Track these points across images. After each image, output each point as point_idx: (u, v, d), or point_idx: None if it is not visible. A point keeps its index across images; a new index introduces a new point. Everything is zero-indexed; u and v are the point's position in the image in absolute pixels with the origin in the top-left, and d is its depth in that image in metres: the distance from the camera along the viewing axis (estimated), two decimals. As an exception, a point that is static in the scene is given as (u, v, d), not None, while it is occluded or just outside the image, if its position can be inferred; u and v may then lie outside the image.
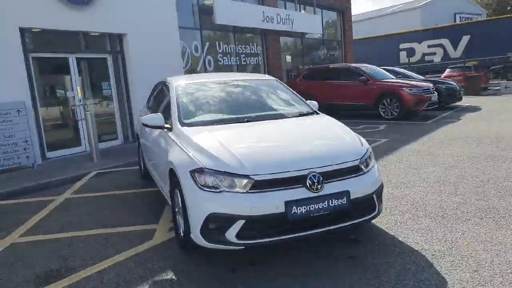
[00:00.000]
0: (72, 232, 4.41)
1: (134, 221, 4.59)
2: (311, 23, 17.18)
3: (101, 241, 4.07)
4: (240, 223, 3.08)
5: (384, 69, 13.66)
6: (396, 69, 15.20)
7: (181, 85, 4.72)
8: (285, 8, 16.16)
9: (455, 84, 14.22)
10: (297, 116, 4.44)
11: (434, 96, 11.98)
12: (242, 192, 3.12)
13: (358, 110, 12.49)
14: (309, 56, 18.47)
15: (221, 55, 13.95)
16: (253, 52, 15.24)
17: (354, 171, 3.44)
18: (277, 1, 15.72)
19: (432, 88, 12.14)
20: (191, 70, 12.64)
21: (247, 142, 3.61)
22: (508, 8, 55.48)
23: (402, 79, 12.80)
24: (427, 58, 28.13)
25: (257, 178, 3.14)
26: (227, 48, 14.19)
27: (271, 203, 3.09)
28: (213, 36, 13.87)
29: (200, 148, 3.48)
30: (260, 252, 3.49)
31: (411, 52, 28.69)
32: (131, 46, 9.70)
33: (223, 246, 3.18)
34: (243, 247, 3.17)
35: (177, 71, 10.66)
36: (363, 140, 3.87)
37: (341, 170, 3.37)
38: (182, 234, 3.64)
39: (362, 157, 3.54)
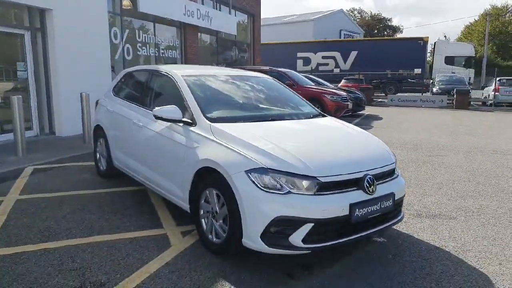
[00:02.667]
0: (62, 240, 3.66)
1: (133, 226, 4.03)
2: (228, 22, 17.20)
3: (113, 250, 3.47)
4: (307, 227, 2.97)
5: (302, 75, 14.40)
6: (311, 76, 16.13)
7: (187, 76, 4.29)
8: (203, 4, 15.90)
9: (360, 94, 15.68)
10: (311, 118, 4.42)
11: (350, 104, 13.04)
12: (310, 194, 3.01)
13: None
14: (223, 55, 18.43)
15: (140, 45, 13.07)
16: (171, 44, 14.64)
17: (392, 173, 3.61)
18: (196, -4, 15.36)
19: (347, 96, 13.21)
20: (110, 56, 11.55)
21: (295, 142, 3.48)
22: (375, 31, 63.50)
23: (323, 86, 13.64)
24: (321, 68, 30.44)
25: (323, 179, 3.06)
26: (146, 38, 13.37)
27: (338, 205, 3.04)
28: (133, 25, 12.93)
29: (251, 146, 3.24)
30: (307, 256, 3.38)
31: (307, 61, 30.76)
32: (56, 24, 8.41)
33: (287, 250, 3.02)
34: (309, 251, 3.05)
35: (105, 56, 9.69)
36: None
37: (386, 172, 3.49)
38: (216, 239, 3.36)
39: (395, 161, 3.71)
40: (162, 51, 14.13)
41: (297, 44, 31.93)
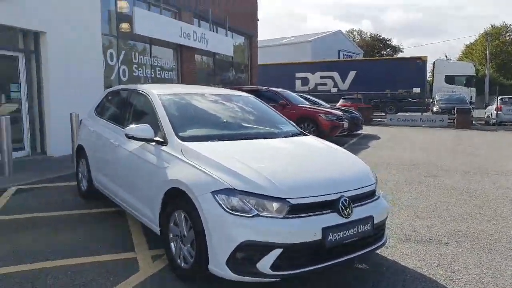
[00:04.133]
0: (27, 264, 3.50)
1: (103, 249, 3.87)
2: (224, 44, 17.33)
3: (77, 275, 3.30)
4: (276, 252, 2.80)
5: (298, 95, 14.34)
6: (307, 96, 16.09)
7: (163, 95, 4.20)
8: (199, 26, 16.04)
9: (357, 113, 15.57)
10: (290, 136, 4.29)
11: (346, 123, 12.92)
12: (279, 218, 2.85)
13: (276, 132, 12.77)
14: (220, 76, 18.51)
15: (136, 66, 13.16)
16: (168, 66, 14.72)
17: (372, 195, 3.44)
18: (192, 19, 15.50)
19: (343, 116, 13.10)
20: (106, 77, 11.58)
21: (266, 161, 3.34)
22: (375, 51, 63.91)
23: (317, 106, 13.56)
24: (319, 88, 30.55)
25: (293, 201, 2.90)
26: (142, 59, 13.46)
27: (310, 229, 2.87)
28: (129, 47, 13.02)
29: (220, 166, 3.10)
30: (276, 283, 3.20)
31: (305, 81, 30.91)
32: (50, 47, 8.47)
33: (255, 278, 2.83)
34: (279, 279, 2.87)
35: (99, 77, 9.68)
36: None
37: (364, 194, 3.33)
38: (184, 264, 3.18)
39: (375, 182, 3.55)
40: (159, 72, 14.19)
41: (295, 64, 32.19)
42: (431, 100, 27.43)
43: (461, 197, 6.15)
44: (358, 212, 3.14)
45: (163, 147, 3.59)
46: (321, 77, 30.97)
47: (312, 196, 2.99)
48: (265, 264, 2.79)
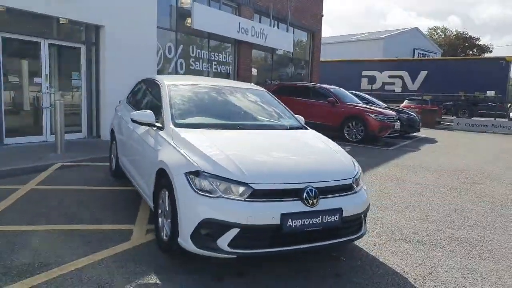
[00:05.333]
0: (42, 225, 4.12)
1: (108, 219, 4.38)
2: (283, 40, 17.45)
3: (76, 238, 3.83)
4: (234, 232, 3.02)
5: (351, 93, 14.12)
6: (362, 94, 15.75)
7: (173, 85, 4.61)
8: (260, 22, 16.34)
9: (415, 115, 14.94)
10: (288, 129, 4.47)
11: (397, 124, 12.51)
12: (240, 200, 3.07)
13: (323, 129, 12.60)
14: (278, 71, 18.72)
15: (193, 59, 13.82)
16: (225, 60, 15.24)
17: (347, 189, 3.50)
18: (253, 14, 15.86)
19: (396, 116, 12.69)
20: (162, 70, 12.40)
21: (244, 150, 3.57)
22: (459, 50, 59.67)
23: (368, 105, 13.27)
24: (386, 87, 29.46)
25: (256, 186, 3.10)
26: (200, 53, 14.10)
27: (268, 213, 3.06)
28: (188, 40, 13.73)
29: (197, 150, 3.40)
30: (248, 262, 3.43)
31: (372, 79, 29.96)
32: (107, 39, 9.35)
33: (213, 253, 3.09)
34: (235, 256, 3.10)
35: (151, 70, 10.42)
36: (354, 160, 3.95)
37: (336, 187, 3.41)
38: (165, 238, 3.53)
39: (354, 176, 3.61)
40: (215, 67, 14.76)
41: (363, 62, 31.26)
42: (509, 104, 25.20)
43: (491, 206, 5.81)
44: (326, 203, 3.25)
45: (160, 132, 3.97)
46: (389, 76, 29.82)
47: (276, 183, 3.16)
48: (224, 241, 3.03)
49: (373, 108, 12.61)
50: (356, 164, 3.87)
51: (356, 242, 4.08)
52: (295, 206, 3.14)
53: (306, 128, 4.66)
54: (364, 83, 29.94)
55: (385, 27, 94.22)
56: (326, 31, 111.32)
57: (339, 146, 4.18)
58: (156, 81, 4.90)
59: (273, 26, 17.13)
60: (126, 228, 4.14)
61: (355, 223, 3.56)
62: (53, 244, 3.67)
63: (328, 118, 12.32)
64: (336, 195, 3.38)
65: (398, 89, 29.00)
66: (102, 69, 9.49)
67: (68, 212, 4.58)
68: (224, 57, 15.19)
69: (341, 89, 13.74)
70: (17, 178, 5.87)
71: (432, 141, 14.03)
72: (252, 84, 5.67)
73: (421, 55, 39.74)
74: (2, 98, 7.89)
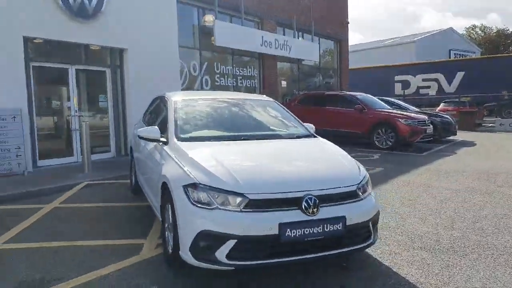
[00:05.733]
0: (57, 242, 4.27)
1: (122, 235, 4.46)
2: (308, 50, 17.40)
3: (87, 253, 3.94)
4: (231, 243, 2.98)
5: (380, 99, 13.77)
6: (392, 99, 15.33)
7: (179, 100, 4.68)
8: (284, 34, 16.39)
9: (450, 118, 14.33)
10: (294, 138, 4.40)
11: (429, 129, 12.04)
12: (236, 211, 3.03)
13: (352, 138, 12.39)
14: (305, 82, 18.64)
15: (218, 75, 14.04)
16: (250, 74, 15.36)
17: (351, 196, 3.37)
18: (275, 27, 15.95)
19: (427, 120, 12.23)
20: (188, 88, 12.68)
21: (243, 160, 3.55)
22: (501, 48, 56.94)
23: (398, 110, 12.89)
24: (421, 91, 28.52)
25: (251, 197, 3.06)
26: (224, 69, 14.30)
27: (265, 224, 3.00)
28: (212, 57, 13.98)
29: (195, 163, 3.41)
30: (250, 273, 3.36)
31: (406, 84, 29.11)
32: (131, 61, 9.70)
33: (212, 265, 3.06)
34: (233, 268, 3.05)
35: (175, 89, 10.65)
36: (361, 165, 3.82)
37: (338, 194, 3.30)
38: (170, 251, 3.53)
39: (359, 183, 3.48)
40: (240, 81, 14.90)
41: (395, 67, 30.44)
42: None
43: (525, 210, 5.42)
44: (327, 211, 3.15)
45: (165, 147, 4.02)
46: (424, 80, 28.85)
47: (272, 192, 3.10)
48: (222, 253, 3.00)
49: (402, 113, 12.22)
50: (362, 170, 3.73)
51: (370, 252, 3.92)
52: (294, 215, 3.06)
53: (315, 137, 4.57)
54: (398, 88, 29.10)
55: (419, 30, 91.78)
56: (357, 38, 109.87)
57: (345, 152, 4.06)
58: (165, 98, 4.99)
59: (298, 37, 17.13)
60: (138, 242, 4.20)
61: (362, 232, 3.41)
62: (63, 259, 3.78)
63: (356, 125, 12.03)
64: (339, 202, 3.27)
65: (433, 92, 27.98)
66: (127, 90, 9.82)
67: (86, 228, 4.72)
68: (249, 71, 15.32)
69: (369, 95, 13.43)
70: (44, 198, 6.13)
71: (470, 144, 13.36)
72: (262, 95, 5.66)
73: (458, 56, 38.25)
74: (35, 123, 8.32)
